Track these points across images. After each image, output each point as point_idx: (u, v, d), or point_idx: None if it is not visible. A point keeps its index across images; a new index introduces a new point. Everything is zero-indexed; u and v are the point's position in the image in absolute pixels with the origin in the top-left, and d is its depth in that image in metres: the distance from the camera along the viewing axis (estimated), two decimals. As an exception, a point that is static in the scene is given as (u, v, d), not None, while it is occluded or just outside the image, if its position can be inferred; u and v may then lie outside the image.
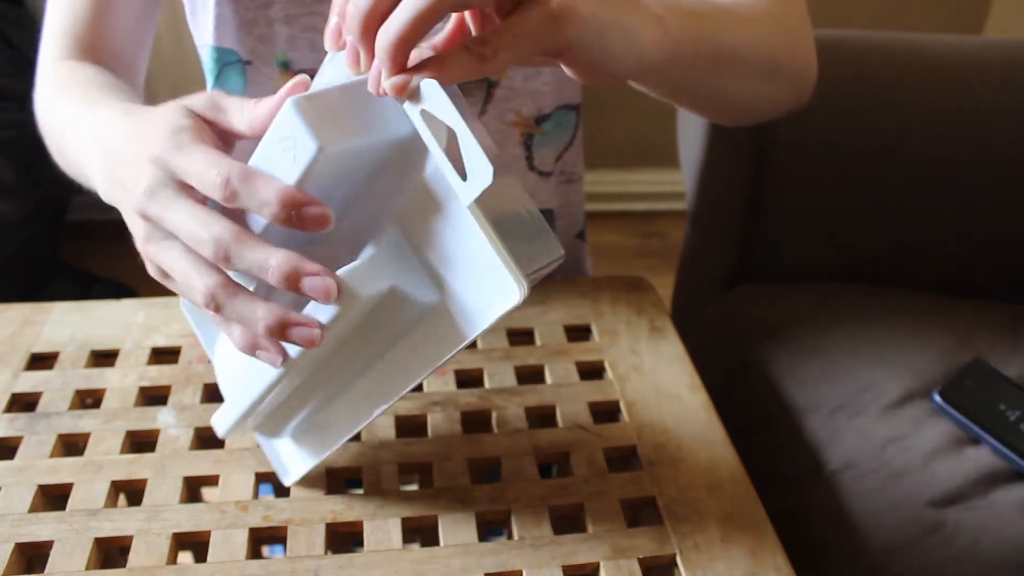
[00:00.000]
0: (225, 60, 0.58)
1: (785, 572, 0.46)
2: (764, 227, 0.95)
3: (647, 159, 1.91)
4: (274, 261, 0.36)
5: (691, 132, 1.00)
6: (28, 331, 0.60)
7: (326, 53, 0.53)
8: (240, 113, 0.40)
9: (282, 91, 0.39)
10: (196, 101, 0.41)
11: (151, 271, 0.42)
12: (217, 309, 0.38)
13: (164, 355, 0.59)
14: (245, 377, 0.44)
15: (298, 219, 0.36)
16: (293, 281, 0.36)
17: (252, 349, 0.39)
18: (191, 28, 0.60)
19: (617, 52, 0.40)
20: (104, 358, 0.59)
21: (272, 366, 0.40)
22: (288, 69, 0.57)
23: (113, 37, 0.62)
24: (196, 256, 0.39)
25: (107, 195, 0.46)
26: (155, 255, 0.41)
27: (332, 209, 0.37)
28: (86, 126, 0.49)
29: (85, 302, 0.63)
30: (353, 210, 0.42)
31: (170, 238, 0.40)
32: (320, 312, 0.38)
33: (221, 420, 0.47)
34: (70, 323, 0.61)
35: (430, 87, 0.35)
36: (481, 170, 0.35)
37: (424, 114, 0.36)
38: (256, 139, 0.39)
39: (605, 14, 0.40)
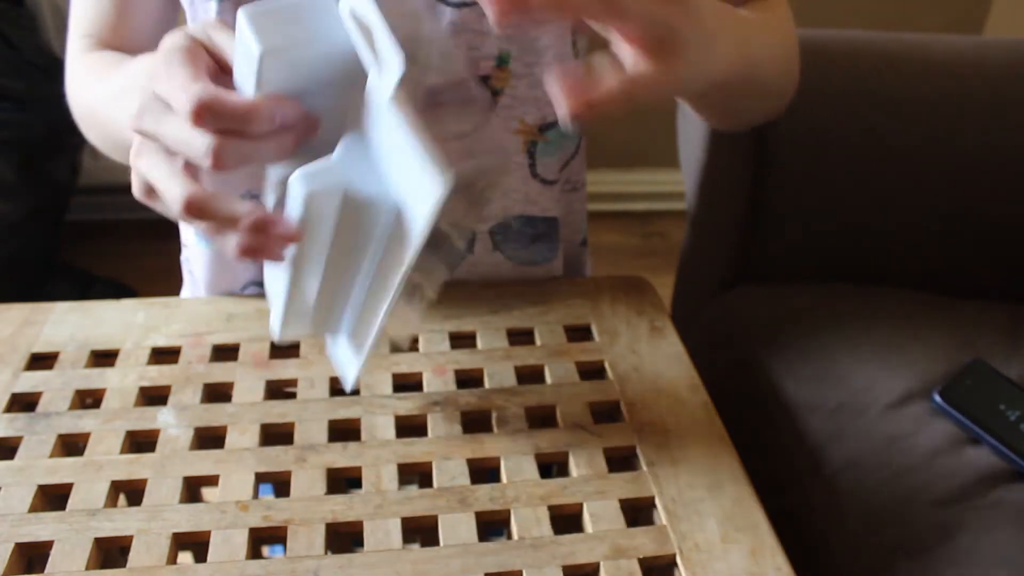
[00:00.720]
0: None
1: (785, 572, 0.46)
2: (764, 227, 0.95)
3: (647, 159, 1.91)
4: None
5: (691, 132, 1.00)
6: (28, 331, 0.60)
7: None
8: (230, 40, 0.42)
9: None
10: (195, 27, 0.43)
11: (136, 190, 0.45)
12: (199, 214, 0.40)
13: (164, 355, 0.59)
14: (271, 283, 0.49)
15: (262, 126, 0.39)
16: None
17: (248, 253, 0.41)
18: None
19: (710, 60, 0.42)
20: (104, 358, 0.59)
21: (276, 260, 0.42)
22: None
23: (134, 39, 0.62)
24: (178, 167, 0.41)
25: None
26: (141, 167, 0.43)
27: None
28: (120, 87, 0.53)
29: (85, 302, 0.63)
30: (321, 124, 0.44)
31: (159, 152, 0.42)
32: (291, 210, 0.42)
33: (271, 325, 0.51)
34: (70, 323, 0.61)
35: None
36: (392, 62, 0.36)
37: (352, 12, 0.38)
38: None
39: (719, 20, 0.43)
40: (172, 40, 0.42)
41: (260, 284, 0.67)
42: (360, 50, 0.39)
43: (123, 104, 0.52)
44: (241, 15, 0.38)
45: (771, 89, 0.61)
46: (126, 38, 0.63)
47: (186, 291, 0.76)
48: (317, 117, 0.42)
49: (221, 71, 0.42)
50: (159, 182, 0.42)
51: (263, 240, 0.40)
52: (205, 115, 0.38)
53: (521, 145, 0.63)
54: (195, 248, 0.70)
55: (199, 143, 0.39)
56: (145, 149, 0.43)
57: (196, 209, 0.40)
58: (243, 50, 0.40)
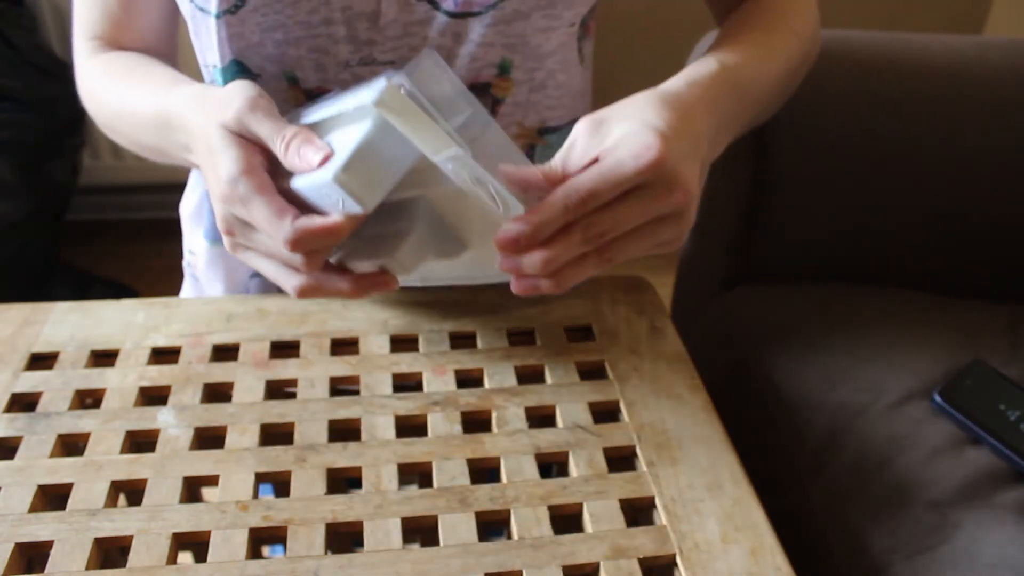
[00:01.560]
0: (233, 72, 0.58)
1: (785, 572, 0.46)
2: (764, 227, 0.95)
3: (647, 159, 1.91)
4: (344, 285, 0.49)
5: (691, 132, 1.00)
6: (28, 331, 0.60)
7: (331, 72, 0.55)
8: (276, 147, 0.46)
9: (313, 157, 0.45)
10: (233, 123, 0.47)
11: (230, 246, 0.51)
12: (311, 295, 0.49)
13: (164, 355, 0.59)
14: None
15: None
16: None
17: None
18: (195, 47, 0.60)
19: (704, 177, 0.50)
20: (104, 358, 0.59)
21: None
22: (296, 84, 0.57)
23: (141, 37, 0.62)
24: (281, 263, 0.49)
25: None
26: (246, 259, 0.50)
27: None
28: (160, 120, 0.55)
29: (85, 302, 0.63)
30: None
31: (257, 253, 0.49)
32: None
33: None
34: (70, 323, 0.61)
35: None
36: (512, 205, 0.43)
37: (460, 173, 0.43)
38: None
39: (703, 166, 0.48)
40: (229, 159, 0.46)
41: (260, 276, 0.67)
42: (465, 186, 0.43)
43: (166, 135, 0.55)
44: (330, 181, 0.43)
45: (779, 95, 0.62)
46: (132, 37, 0.63)
47: (186, 291, 0.76)
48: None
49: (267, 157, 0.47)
50: (269, 275, 0.49)
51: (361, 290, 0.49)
52: (299, 247, 0.45)
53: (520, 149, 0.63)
54: (200, 247, 0.69)
55: (295, 259, 0.47)
56: (243, 250, 0.50)
57: (309, 293, 0.49)
58: (328, 194, 0.45)
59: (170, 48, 0.65)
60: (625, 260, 0.46)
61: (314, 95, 0.57)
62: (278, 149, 0.46)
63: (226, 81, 0.58)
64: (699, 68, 0.52)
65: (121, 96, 0.59)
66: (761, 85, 0.57)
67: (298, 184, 0.46)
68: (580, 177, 0.43)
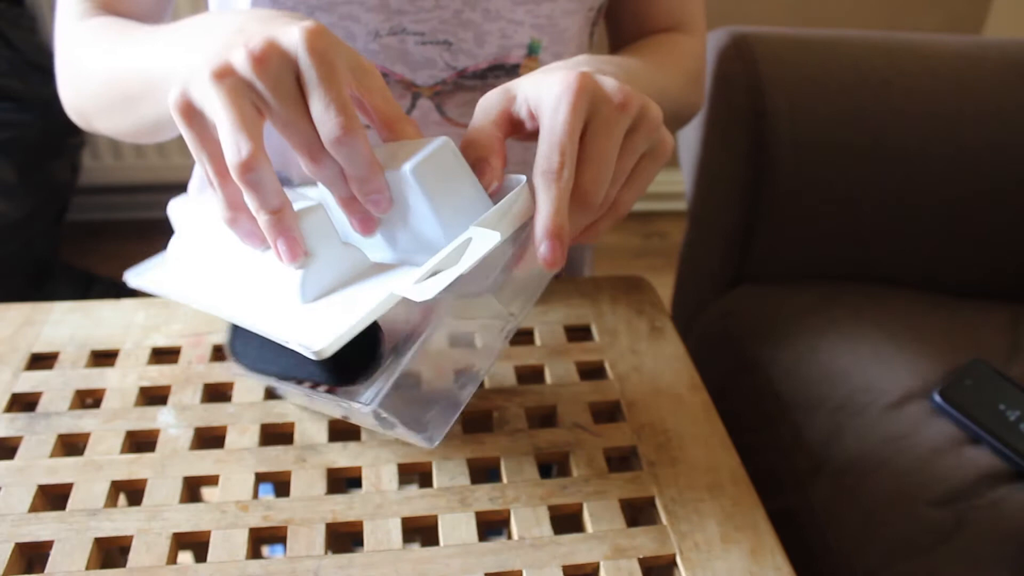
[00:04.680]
0: None
1: (785, 572, 0.46)
2: (764, 227, 0.95)
3: (647, 159, 1.91)
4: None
5: (691, 132, 1.00)
6: (28, 331, 0.60)
7: (360, 41, 0.54)
8: (378, 98, 0.40)
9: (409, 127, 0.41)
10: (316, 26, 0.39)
11: (177, 103, 0.40)
12: (245, 178, 0.38)
13: (164, 355, 0.59)
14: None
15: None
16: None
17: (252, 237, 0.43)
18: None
19: None
20: (104, 358, 0.59)
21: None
22: None
23: (136, 3, 0.61)
24: (258, 121, 0.39)
25: (186, 61, 0.44)
26: (219, 90, 0.38)
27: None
28: (173, 39, 0.48)
29: (85, 302, 0.63)
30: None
31: (248, 94, 0.39)
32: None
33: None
34: (70, 323, 0.61)
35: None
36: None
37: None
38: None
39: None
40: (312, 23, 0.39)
41: None
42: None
43: (175, 53, 0.47)
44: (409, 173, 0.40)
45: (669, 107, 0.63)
46: (123, 1, 0.61)
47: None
48: None
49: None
50: (229, 122, 0.38)
51: (274, 232, 0.40)
52: (346, 141, 0.38)
53: None
54: None
55: (331, 124, 0.38)
56: (234, 80, 0.38)
57: (246, 171, 0.37)
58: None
59: (159, 21, 0.64)
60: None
61: None
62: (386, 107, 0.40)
63: None
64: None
65: (119, 52, 0.54)
66: (656, 92, 0.58)
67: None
68: (542, 151, 0.40)
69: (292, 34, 0.38)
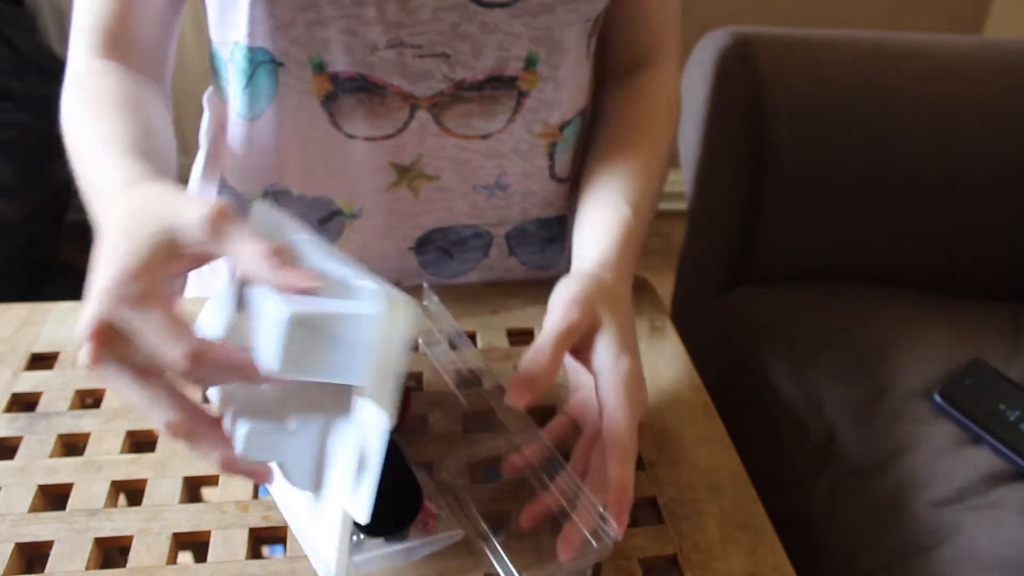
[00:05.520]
0: (257, 60, 0.57)
1: (785, 572, 0.46)
2: (764, 227, 0.95)
3: (647, 159, 1.91)
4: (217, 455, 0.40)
5: (691, 132, 1.00)
6: (28, 331, 0.60)
7: (359, 54, 0.54)
8: (255, 249, 0.39)
9: (298, 278, 0.39)
10: (191, 227, 0.39)
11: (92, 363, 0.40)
12: (181, 436, 0.40)
13: (164, 355, 0.59)
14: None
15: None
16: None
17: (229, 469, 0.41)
18: (215, 25, 0.60)
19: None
20: (104, 358, 0.59)
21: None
22: (323, 71, 0.57)
23: (140, 28, 0.61)
24: (156, 391, 0.39)
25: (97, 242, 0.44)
26: (103, 373, 0.39)
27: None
28: (95, 176, 0.49)
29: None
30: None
31: (126, 375, 0.39)
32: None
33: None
34: (70, 323, 0.61)
35: None
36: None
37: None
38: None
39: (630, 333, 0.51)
40: (154, 243, 0.39)
41: None
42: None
43: (93, 200, 0.49)
44: (288, 321, 0.37)
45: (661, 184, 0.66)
46: (131, 28, 0.62)
47: (189, 292, 0.76)
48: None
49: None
50: (138, 401, 0.40)
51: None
52: (196, 365, 0.37)
53: (544, 148, 0.63)
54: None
55: (168, 391, 0.39)
56: (109, 363, 0.39)
57: (180, 434, 0.40)
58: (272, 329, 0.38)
59: (166, 48, 0.64)
60: None
61: (340, 80, 0.57)
62: (256, 251, 0.39)
63: (250, 66, 0.57)
64: (614, 236, 0.56)
65: (85, 139, 0.54)
66: (651, 205, 0.61)
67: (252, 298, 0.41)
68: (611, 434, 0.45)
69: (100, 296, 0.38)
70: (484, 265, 0.68)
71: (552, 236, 0.69)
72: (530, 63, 0.58)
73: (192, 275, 0.76)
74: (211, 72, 0.65)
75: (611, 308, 0.49)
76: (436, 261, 0.67)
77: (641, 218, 0.58)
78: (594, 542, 0.44)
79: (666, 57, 0.68)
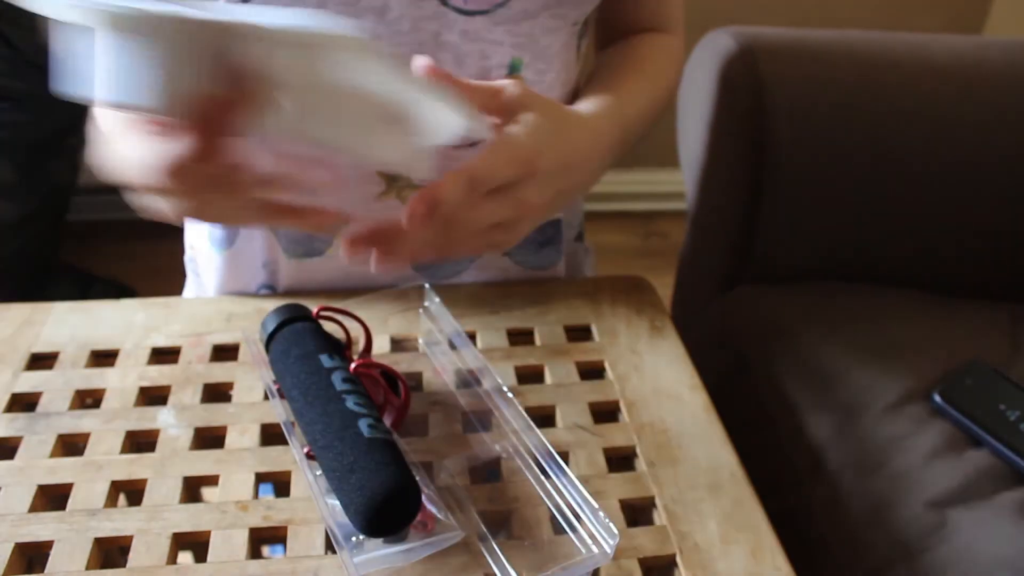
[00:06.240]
0: None
1: (785, 572, 0.46)
2: (764, 227, 0.95)
3: (647, 159, 1.91)
4: None
5: (691, 132, 1.00)
6: (28, 331, 0.60)
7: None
8: None
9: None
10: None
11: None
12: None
13: (164, 355, 0.59)
14: None
15: None
16: None
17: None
18: None
19: (567, 199, 0.52)
20: (104, 358, 0.59)
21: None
22: None
23: None
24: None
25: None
26: (187, 205, 0.44)
27: None
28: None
29: (85, 302, 0.63)
30: None
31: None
32: None
33: None
34: (70, 323, 0.61)
35: None
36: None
37: None
38: None
39: (567, 173, 0.49)
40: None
41: (272, 287, 0.67)
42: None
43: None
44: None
45: (655, 118, 0.65)
46: None
47: (189, 291, 0.76)
48: None
49: None
50: (210, 212, 0.45)
51: None
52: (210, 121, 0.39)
53: None
54: (205, 252, 0.69)
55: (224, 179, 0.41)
56: (190, 196, 0.43)
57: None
58: None
59: None
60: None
61: None
62: None
63: None
64: (611, 105, 0.56)
65: None
66: (642, 126, 0.61)
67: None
68: (476, 164, 0.44)
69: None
70: (478, 265, 0.68)
71: (547, 239, 0.69)
72: (513, 69, 0.58)
73: (191, 275, 0.76)
74: None
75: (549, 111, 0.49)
76: (429, 263, 0.67)
77: (630, 123, 0.58)
78: (594, 549, 0.44)
79: (670, 29, 0.67)
